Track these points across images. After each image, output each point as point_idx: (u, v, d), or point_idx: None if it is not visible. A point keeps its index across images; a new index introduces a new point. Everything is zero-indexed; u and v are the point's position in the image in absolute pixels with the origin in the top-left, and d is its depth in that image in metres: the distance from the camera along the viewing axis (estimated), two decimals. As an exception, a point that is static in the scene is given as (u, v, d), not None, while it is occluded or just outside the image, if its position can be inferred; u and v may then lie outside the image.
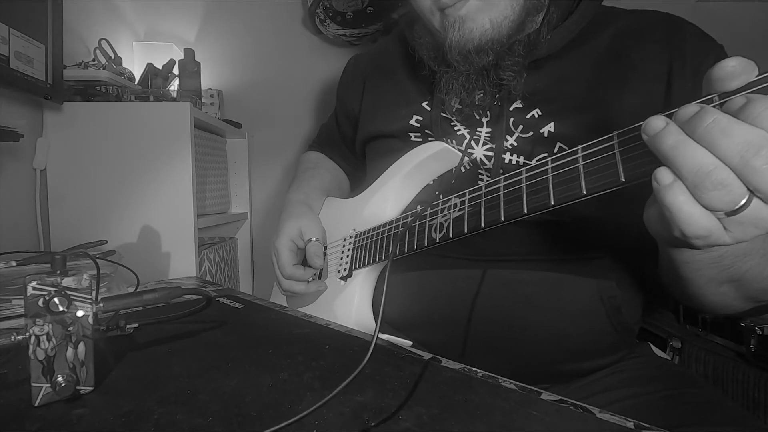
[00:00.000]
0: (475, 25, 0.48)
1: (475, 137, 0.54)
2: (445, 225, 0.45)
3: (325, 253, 0.63)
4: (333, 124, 0.80)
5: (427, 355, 0.41)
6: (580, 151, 0.35)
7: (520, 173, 0.39)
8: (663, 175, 0.26)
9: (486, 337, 0.50)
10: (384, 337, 0.48)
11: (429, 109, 0.58)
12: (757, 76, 0.26)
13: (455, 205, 0.45)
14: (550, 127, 0.49)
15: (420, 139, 0.58)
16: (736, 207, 0.24)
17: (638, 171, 0.30)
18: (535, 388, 0.35)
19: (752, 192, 0.24)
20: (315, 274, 0.63)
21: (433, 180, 0.57)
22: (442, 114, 0.56)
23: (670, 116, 0.27)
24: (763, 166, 0.23)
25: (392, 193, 0.57)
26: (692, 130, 0.25)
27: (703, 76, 0.45)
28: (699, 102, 0.28)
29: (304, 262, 0.62)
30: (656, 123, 0.26)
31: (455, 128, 0.55)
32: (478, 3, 0.47)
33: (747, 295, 0.39)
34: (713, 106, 0.26)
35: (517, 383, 0.36)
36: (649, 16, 0.52)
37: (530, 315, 0.47)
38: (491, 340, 0.50)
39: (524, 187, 0.38)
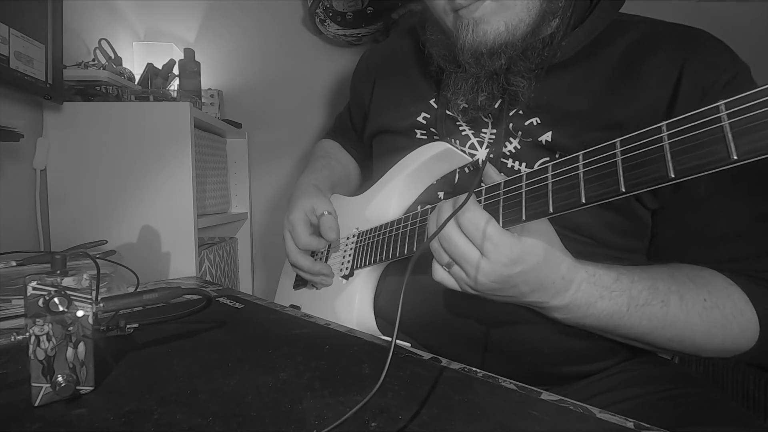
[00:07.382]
0: (490, 28, 0.46)
1: (478, 139, 0.54)
2: None
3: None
4: (346, 115, 0.82)
5: (427, 355, 0.41)
6: (581, 158, 0.34)
7: (521, 179, 0.39)
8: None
9: (500, 342, 0.50)
10: (385, 338, 0.48)
11: (436, 106, 0.57)
12: (759, 87, 0.26)
13: None
14: (547, 136, 0.49)
15: (425, 137, 0.58)
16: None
17: (639, 180, 0.30)
18: (535, 388, 0.35)
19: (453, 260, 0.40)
20: (323, 253, 0.64)
21: (436, 180, 0.57)
22: (448, 113, 0.55)
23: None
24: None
25: (395, 193, 0.57)
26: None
27: (714, 94, 0.44)
28: (705, 109, 0.28)
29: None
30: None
31: (460, 128, 0.55)
32: (494, 5, 0.46)
33: (655, 344, 0.44)
34: (715, 117, 0.27)
35: (517, 383, 0.36)
36: (667, 27, 0.49)
37: (539, 319, 0.47)
38: (505, 345, 0.50)
39: (524, 193, 0.38)
